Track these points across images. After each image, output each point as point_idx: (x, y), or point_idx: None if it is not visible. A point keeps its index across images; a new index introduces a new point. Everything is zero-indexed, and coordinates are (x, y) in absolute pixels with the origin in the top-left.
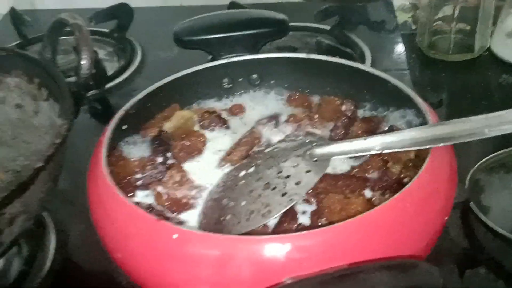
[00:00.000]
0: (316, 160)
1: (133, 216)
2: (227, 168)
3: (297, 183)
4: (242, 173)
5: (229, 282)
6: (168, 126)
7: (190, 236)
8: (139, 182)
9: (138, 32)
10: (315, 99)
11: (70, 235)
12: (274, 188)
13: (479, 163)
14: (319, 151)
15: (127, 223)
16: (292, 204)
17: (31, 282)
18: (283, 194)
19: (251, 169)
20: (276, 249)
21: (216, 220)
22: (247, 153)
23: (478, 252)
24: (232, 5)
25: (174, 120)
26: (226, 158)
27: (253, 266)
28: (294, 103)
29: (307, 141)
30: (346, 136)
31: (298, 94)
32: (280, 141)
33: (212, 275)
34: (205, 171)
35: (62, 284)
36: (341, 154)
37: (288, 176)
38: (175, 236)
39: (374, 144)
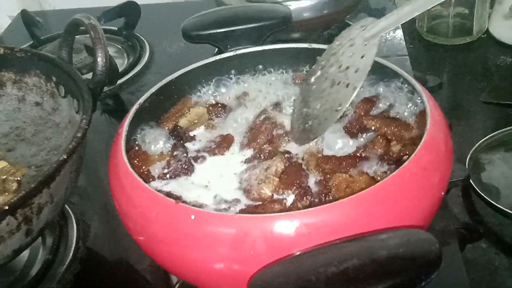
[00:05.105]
0: (366, 44)
1: (153, 201)
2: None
3: (356, 71)
4: (312, 79)
5: (244, 257)
6: (183, 122)
7: (207, 217)
8: (167, 175)
9: (146, 28)
10: None
11: (90, 225)
12: (339, 83)
13: (479, 143)
14: (367, 34)
15: (148, 207)
16: (356, 91)
17: (56, 270)
18: (347, 85)
19: (318, 73)
20: (285, 225)
21: (302, 128)
22: (271, 136)
23: (479, 226)
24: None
25: (189, 116)
26: (251, 144)
27: (266, 241)
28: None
29: (357, 28)
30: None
31: (303, 74)
32: (338, 38)
33: (228, 251)
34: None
35: (85, 271)
36: (385, 30)
37: (347, 67)
38: (193, 217)
39: (403, 12)
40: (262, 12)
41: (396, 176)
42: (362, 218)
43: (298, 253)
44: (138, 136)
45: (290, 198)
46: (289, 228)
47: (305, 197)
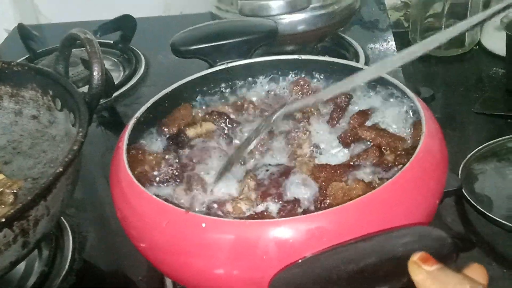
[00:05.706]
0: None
1: (163, 211)
2: None
3: None
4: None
5: (256, 262)
6: (191, 132)
7: (217, 224)
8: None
9: (141, 41)
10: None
11: (86, 237)
12: None
13: (471, 153)
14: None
15: (157, 217)
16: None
17: (52, 282)
18: None
19: None
20: (297, 228)
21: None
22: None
23: (472, 236)
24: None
25: (199, 129)
26: None
27: (278, 245)
28: (299, 89)
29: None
30: (339, 124)
31: (301, 80)
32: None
33: (239, 257)
34: None
35: (81, 283)
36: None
37: None
38: (203, 225)
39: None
40: (248, 27)
41: (393, 182)
42: (360, 222)
43: (311, 255)
44: (137, 142)
45: (272, 208)
46: (301, 231)
47: (290, 205)
